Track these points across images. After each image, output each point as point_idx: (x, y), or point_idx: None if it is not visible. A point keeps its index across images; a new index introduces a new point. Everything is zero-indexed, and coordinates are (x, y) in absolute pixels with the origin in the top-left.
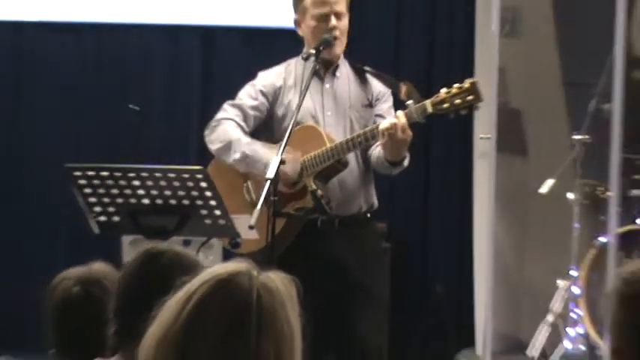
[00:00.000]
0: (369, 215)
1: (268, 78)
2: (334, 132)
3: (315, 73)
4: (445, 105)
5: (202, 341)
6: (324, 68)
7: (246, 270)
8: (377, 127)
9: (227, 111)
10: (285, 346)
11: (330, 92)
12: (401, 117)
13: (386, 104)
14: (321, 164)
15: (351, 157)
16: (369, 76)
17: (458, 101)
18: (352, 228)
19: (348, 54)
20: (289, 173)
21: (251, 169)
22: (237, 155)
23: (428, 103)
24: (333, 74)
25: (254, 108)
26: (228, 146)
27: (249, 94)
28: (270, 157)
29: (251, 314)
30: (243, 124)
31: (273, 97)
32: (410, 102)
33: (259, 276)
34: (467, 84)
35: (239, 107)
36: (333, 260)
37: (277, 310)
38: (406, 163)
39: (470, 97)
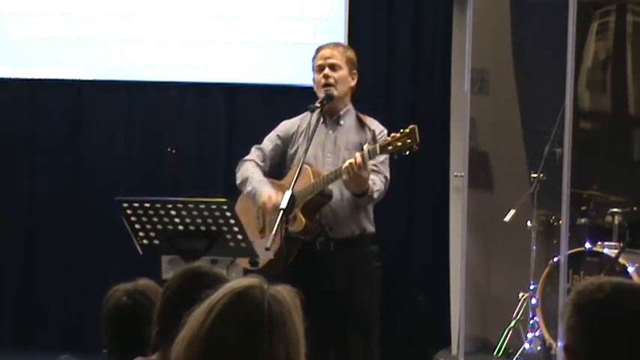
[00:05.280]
0: (362, 239)
1: (286, 125)
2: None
3: (323, 121)
4: (390, 147)
5: (223, 344)
6: (329, 117)
7: (258, 284)
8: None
9: (252, 153)
10: (292, 347)
11: (332, 138)
12: (358, 157)
13: (379, 158)
14: (306, 197)
15: (339, 190)
16: (368, 124)
17: (399, 144)
18: (346, 250)
19: None
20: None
21: (254, 201)
22: (249, 188)
23: (377, 146)
24: (337, 122)
25: (271, 150)
26: (244, 182)
27: (269, 139)
28: (265, 193)
29: (263, 321)
30: (262, 163)
31: (287, 141)
32: (366, 145)
33: (269, 289)
34: (408, 129)
35: (261, 149)
36: (327, 278)
37: (285, 317)
38: (375, 195)
39: (409, 141)
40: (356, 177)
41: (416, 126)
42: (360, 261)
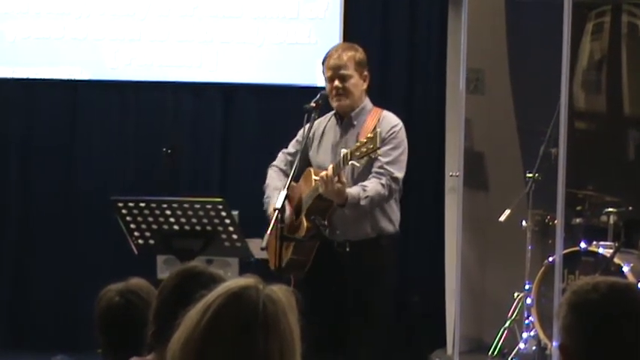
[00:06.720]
0: (379, 240)
1: (306, 127)
2: (343, 173)
3: (337, 123)
4: (357, 153)
5: (218, 344)
6: (342, 119)
7: (254, 284)
8: None
9: (277, 158)
10: (287, 348)
11: (344, 140)
12: (330, 170)
13: (377, 162)
14: (307, 202)
15: None
16: (366, 125)
17: (364, 149)
18: (359, 252)
19: None
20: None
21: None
22: (265, 196)
23: (348, 152)
24: (351, 124)
25: (291, 154)
26: (265, 188)
27: (292, 144)
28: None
29: (258, 321)
30: (285, 167)
31: (307, 143)
32: (343, 150)
33: (265, 289)
34: (372, 134)
35: (284, 154)
36: (341, 280)
37: (280, 317)
38: (364, 202)
39: (371, 146)
40: (328, 189)
41: (378, 131)
42: (373, 263)
